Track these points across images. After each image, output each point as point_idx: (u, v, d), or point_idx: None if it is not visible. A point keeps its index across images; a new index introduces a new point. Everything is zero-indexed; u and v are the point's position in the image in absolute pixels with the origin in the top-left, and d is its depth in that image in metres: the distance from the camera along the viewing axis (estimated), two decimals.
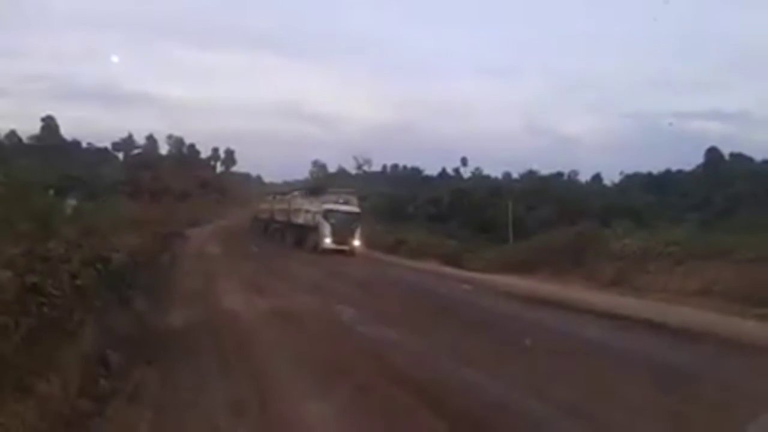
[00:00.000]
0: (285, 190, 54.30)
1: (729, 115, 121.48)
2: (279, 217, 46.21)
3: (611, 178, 75.49)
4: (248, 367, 9.50)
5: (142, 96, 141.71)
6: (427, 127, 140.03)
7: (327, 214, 35.55)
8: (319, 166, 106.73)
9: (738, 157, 62.34)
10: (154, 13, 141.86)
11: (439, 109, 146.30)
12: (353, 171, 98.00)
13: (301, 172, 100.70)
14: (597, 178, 79.97)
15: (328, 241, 34.93)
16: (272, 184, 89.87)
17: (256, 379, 8.75)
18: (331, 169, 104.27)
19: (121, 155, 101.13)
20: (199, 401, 7.56)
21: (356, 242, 35.56)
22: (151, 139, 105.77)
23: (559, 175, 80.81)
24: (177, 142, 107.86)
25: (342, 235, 35.04)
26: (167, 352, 9.97)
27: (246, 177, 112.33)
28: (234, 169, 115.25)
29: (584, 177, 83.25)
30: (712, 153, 65.40)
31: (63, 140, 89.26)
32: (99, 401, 7.13)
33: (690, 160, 68.12)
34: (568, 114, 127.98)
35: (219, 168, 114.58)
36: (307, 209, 38.21)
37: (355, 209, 37.08)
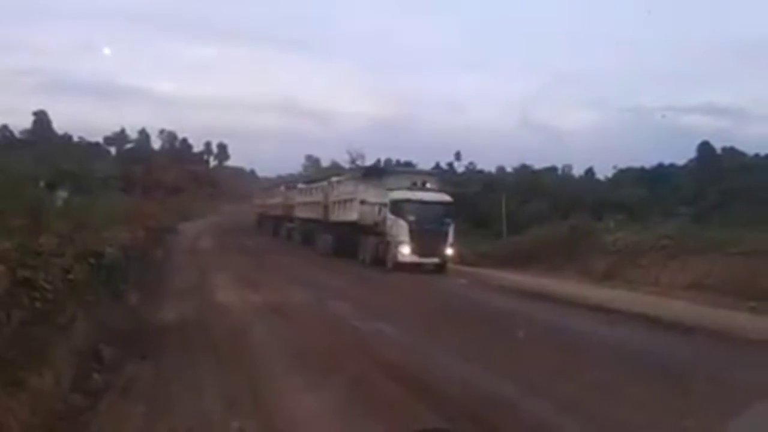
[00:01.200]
0: (309, 177, 43.55)
1: (722, 109, 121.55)
2: (303, 213, 35.59)
3: (604, 172, 75.59)
4: (241, 361, 9.49)
5: (134, 90, 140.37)
6: (421, 122, 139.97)
7: (401, 207, 23.74)
8: (312, 161, 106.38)
9: (730, 152, 62.53)
10: (148, 6, 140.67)
11: (433, 103, 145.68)
12: (347, 165, 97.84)
13: (295, 166, 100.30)
14: (590, 172, 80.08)
15: (405, 250, 23.18)
16: (266, 179, 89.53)
17: (250, 373, 8.73)
18: (325, 163, 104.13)
19: (113, 150, 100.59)
20: (193, 395, 7.55)
21: (449, 251, 23.82)
22: (143, 133, 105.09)
23: (553, 169, 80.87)
24: (169, 137, 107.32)
25: (429, 240, 23.23)
26: (160, 346, 9.96)
27: (239, 171, 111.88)
28: (227, 163, 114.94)
29: (578, 171, 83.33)
30: (705, 147, 65.67)
31: (55, 135, 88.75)
32: (92, 395, 7.12)
33: (683, 154, 68.42)
34: (561, 109, 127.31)
35: (212, 162, 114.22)
36: (363, 200, 26.37)
37: (446, 198, 24.73)
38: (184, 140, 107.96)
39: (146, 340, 10.03)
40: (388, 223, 24.01)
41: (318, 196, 33.21)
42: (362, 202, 26.33)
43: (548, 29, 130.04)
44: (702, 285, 18.97)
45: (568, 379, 8.85)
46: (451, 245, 23.72)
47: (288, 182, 45.35)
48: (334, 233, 29.48)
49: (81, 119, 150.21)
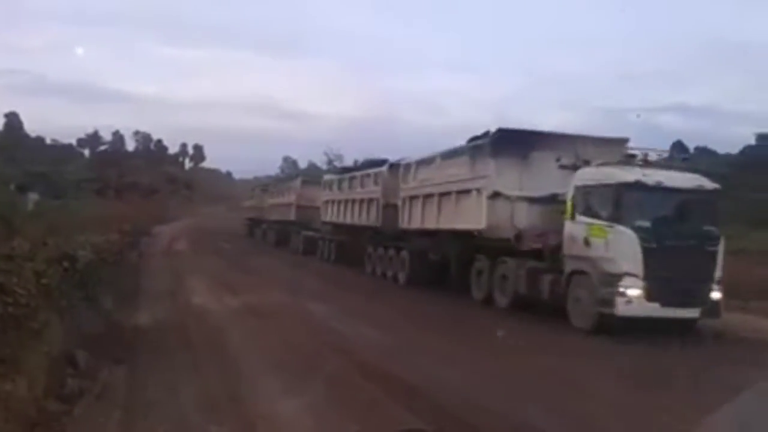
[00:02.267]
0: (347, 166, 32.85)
1: (697, 109, 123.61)
2: (339, 218, 25.06)
3: None
4: (219, 364, 9.40)
5: (108, 92, 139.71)
6: (398, 123, 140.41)
7: (618, 201, 11.90)
8: (289, 162, 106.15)
9: (703, 151, 63.65)
10: (124, 8, 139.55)
11: (410, 105, 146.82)
12: (324, 166, 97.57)
13: (272, 168, 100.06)
14: None
15: (634, 291, 11.49)
16: (242, 180, 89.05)
17: (227, 377, 8.64)
18: (302, 164, 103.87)
19: (86, 151, 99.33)
20: (169, 400, 7.45)
21: (716, 293, 11.95)
22: (117, 135, 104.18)
23: None
24: (144, 138, 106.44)
25: (684, 271, 11.65)
26: (136, 350, 9.83)
27: (215, 173, 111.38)
28: (203, 165, 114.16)
29: None
30: (677, 147, 66.72)
31: (27, 137, 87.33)
32: (67, 401, 6.99)
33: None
34: (537, 109, 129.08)
35: (188, 164, 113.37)
36: (497, 191, 14.54)
37: (706, 183, 12.67)
38: (159, 141, 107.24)
39: (122, 344, 9.88)
40: (578, 233, 12.63)
41: (367, 192, 22.23)
42: (494, 195, 14.58)
43: (526, 31, 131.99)
44: None
45: (551, 379, 8.93)
46: (719, 281, 12.14)
47: (305, 176, 37.32)
48: (411, 249, 19.19)
49: (54, 121, 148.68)
